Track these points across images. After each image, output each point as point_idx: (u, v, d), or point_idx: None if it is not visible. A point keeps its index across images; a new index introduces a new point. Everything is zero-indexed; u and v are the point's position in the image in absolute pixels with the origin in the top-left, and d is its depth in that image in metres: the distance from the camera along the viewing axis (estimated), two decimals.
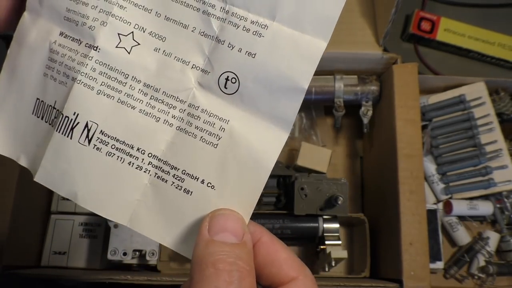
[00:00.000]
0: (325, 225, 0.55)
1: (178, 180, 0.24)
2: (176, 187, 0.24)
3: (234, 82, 0.23)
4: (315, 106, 0.67)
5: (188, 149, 0.24)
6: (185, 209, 0.24)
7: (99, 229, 0.58)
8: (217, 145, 0.24)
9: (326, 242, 0.54)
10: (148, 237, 0.24)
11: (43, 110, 0.25)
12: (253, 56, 0.23)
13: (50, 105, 0.25)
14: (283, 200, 0.57)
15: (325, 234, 0.54)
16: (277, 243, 0.25)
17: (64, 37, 0.25)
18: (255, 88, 0.23)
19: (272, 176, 0.57)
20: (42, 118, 0.25)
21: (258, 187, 0.24)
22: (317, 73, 0.65)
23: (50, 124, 0.25)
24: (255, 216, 0.55)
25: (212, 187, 0.24)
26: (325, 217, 0.55)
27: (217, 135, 0.24)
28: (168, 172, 0.24)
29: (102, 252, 0.57)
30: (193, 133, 0.24)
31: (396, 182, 0.52)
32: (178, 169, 0.24)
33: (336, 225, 0.55)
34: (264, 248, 0.24)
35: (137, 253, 0.54)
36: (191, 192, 0.24)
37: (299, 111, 0.74)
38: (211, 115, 0.24)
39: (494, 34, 0.71)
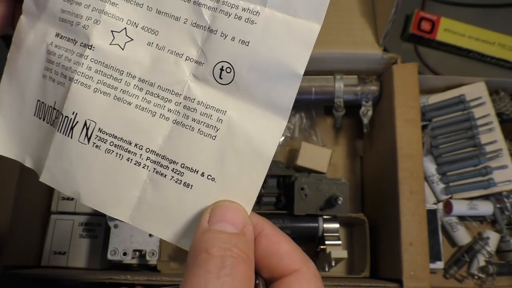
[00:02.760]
0: (325, 225, 0.54)
1: (178, 174, 0.24)
2: (175, 181, 0.24)
3: (229, 72, 0.23)
4: (315, 106, 0.67)
5: (186, 142, 0.24)
6: (186, 203, 0.24)
7: (99, 229, 0.58)
8: (215, 136, 0.23)
9: (326, 242, 0.54)
10: (149, 232, 0.24)
11: (44, 111, 0.26)
12: (246, 44, 0.23)
13: (51, 106, 0.25)
14: (283, 200, 0.57)
15: (325, 234, 0.54)
16: (280, 235, 0.24)
17: (60, 38, 0.25)
18: (250, 77, 0.23)
19: (272, 176, 0.57)
20: (43, 119, 0.26)
21: (259, 177, 0.23)
22: (317, 73, 0.65)
23: (51, 125, 0.25)
24: None
25: (213, 179, 0.24)
26: (325, 217, 0.55)
27: (215, 126, 0.23)
28: (167, 166, 0.24)
29: (102, 252, 0.57)
30: (190, 126, 0.24)
31: (396, 182, 0.52)
32: (177, 163, 0.24)
33: (336, 225, 0.55)
34: (266, 240, 0.23)
35: (137, 253, 0.54)
36: (191, 185, 0.24)
37: (299, 111, 0.74)
38: (208, 106, 0.24)
39: (494, 34, 0.71)
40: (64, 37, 0.25)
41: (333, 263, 0.53)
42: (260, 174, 0.23)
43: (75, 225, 0.58)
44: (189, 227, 0.24)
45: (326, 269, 0.55)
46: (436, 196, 0.63)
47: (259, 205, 0.58)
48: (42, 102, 0.26)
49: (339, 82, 0.59)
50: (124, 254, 0.52)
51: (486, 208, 0.61)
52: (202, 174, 0.24)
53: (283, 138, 0.65)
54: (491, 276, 0.60)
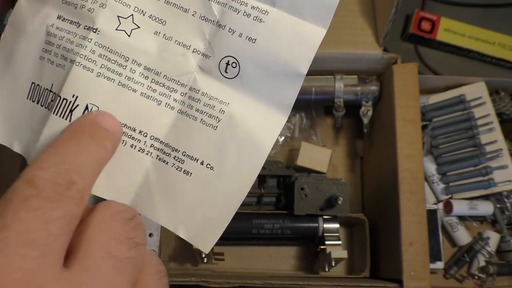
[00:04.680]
0: (325, 225, 0.54)
1: (179, 161, 0.24)
2: (176, 169, 0.24)
3: (235, 67, 0.24)
4: (315, 106, 0.67)
5: (188, 131, 0.24)
6: (184, 190, 0.24)
7: None
8: (216, 127, 0.24)
9: (326, 242, 0.54)
10: (147, 216, 0.25)
11: (39, 94, 0.25)
12: (253, 41, 0.24)
13: (47, 89, 0.25)
14: (283, 200, 0.57)
15: (325, 234, 0.54)
16: None
17: (62, 20, 0.25)
18: (255, 73, 0.24)
19: (272, 176, 0.57)
20: (37, 102, 0.25)
21: (255, 169, 0.24)
22: (317, 73, 0.65)
23: (46, 108, 0.25)
24: (255, 216, 0.55)
25: (211, 168, 0.24)
26: (325, 217, 0.55)
27: (217, 117, 0.24)
28: (169, 154, 0.24)
29: None
30: (193, 116, 0.24)
31: (396, 182, 0.52)
32: (179, 151, 0.24)
33: (336, 225, 0.55)
34: None
35: None
36: (191, 173, 0.24)
37: (299, 111, 0.74)
38: (212, 98, 0.24)
39: (494, 34, 0.71)
40: (67, 19, 0.25)
41: (333, 263, 0.53)
42: (257, 166, 0.24)
43: None
44: (186, 214, 0.24)
45: (326, 269, 0.55)
46: (436, 196, 0.63)
47: (259, 205, 0.58)
48: (38, 85, 0.25)
49: (339, 82, 0.59)
50: None
51: (486, 208, 0.61)
52: (202, 163, 0.24)
53: (283, 138, 0.65)
54: (491, 276, 0.60)
